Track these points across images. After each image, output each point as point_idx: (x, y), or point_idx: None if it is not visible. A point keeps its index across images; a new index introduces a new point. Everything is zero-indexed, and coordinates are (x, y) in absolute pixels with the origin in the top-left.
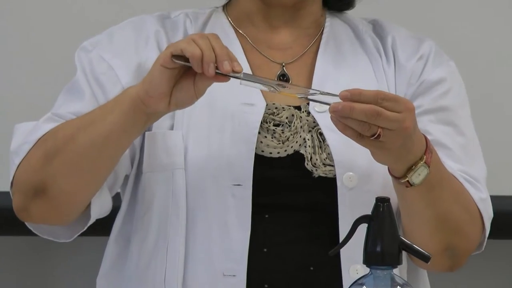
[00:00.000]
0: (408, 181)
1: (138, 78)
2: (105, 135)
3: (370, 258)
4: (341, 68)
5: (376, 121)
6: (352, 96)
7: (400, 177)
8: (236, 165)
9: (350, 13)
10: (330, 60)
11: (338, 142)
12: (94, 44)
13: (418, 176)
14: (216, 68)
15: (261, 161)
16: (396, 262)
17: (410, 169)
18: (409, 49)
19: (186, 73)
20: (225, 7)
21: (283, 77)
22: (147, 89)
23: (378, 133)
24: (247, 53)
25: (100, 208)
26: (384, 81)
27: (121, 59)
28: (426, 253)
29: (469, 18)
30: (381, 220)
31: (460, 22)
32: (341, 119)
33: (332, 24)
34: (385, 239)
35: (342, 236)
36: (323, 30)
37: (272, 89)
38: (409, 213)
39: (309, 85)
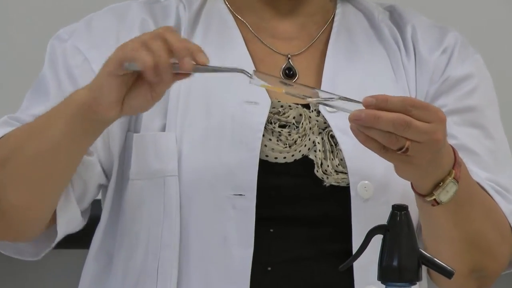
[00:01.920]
0: (435, 199)
1: None
2: (52, 145)
3: (386, 273)
4: (354, 63)
5: (405, 133)
6: (378, 103)
7: (425, 195)
8: (237, 172)
9: None
10: (342, 53)
11: (352, 146)
12: (70, 33)
13: (446, 193)
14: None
15: (265, 168)
16: (415, 279)
17: (437, 185)
18: (431, 40)
19: (139, 78)
20: None
21: (289, 71)
22: (95, 96)
23: (406, 146)
24: (248, 43)
25: (67, 223)
26: (403, 77)
27: (99, 51)
28: (449, 268)
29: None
30: (398, 230)
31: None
32: (363, 129)
33: (344, 11)
34: (403, 252)
35: None
36: (333, 18)
37: (284, 90)
38: (434, 233)
39: (318, 81)
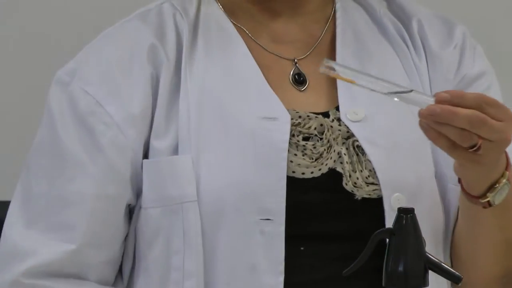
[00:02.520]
0: (488, 201)
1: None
2: None
3: (391, 279)
4: (365, 63)
5: (479, 130)
6: (452, 99)
7: (478, 197)
8: (263, 195)
9: None
10: (352, 54)
11: (380, 156)
12: (71, 73)
13: (500, 195)
14: None
15: (292, 185)
16: (422, 284)
17: (491, 187)
18: (440, 35)
19: None
20: None
21: (299, 77)
22: None
23: (479, 144)
24: (251, 51)
25: None
26: (415, 75)
27: (109, 90)
28: (457, 273)
29: None
30: (404, 234)
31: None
32: (435, 125)
33: (344, 7)
34: (409, 256)
35: None
36: (334, 16)
37: (355, 82)
38: (476, 236)
39: (332, 85)
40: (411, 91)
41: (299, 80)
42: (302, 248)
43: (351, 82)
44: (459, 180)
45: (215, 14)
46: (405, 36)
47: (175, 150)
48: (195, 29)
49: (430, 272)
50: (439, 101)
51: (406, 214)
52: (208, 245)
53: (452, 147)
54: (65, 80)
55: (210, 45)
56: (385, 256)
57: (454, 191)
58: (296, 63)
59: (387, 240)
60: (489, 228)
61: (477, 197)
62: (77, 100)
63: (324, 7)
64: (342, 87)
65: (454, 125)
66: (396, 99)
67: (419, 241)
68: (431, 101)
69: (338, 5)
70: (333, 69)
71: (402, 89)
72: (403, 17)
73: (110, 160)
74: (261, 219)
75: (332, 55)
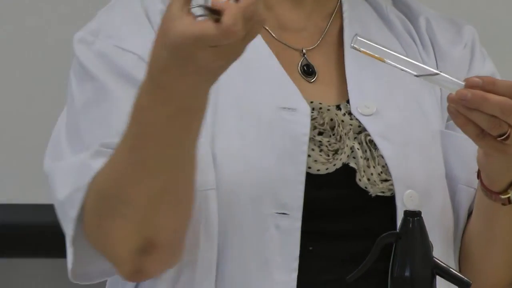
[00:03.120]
0: (509, 197)
1: None
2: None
3: (397, 284)
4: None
5: (510, 118)
6: (484, 85)
7: (499, 192)
8: (281, 189)
9: None
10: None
11: (393, 152)
12: (94, 32)
13: None
14: None
15: (308, 180)
16: None
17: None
18: (448, 33)
19: None
20: None
21: (308, 68)
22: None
23: (508, 132)
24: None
25: None
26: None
27: (143, 42)
28: (466, 278)
29: None
30: (410, 238)
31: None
32: (464, 111)
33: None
34: (416, 261)
35: None
36: (339, 8)
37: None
38: (490, 237)
39: (342, 79)
40: (439, 73)
41: (308, 71)
42: (310, 248)
43: (381, 60)
44: (478, 175)
45: None
46: (413, 32)
47: None
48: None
49: (438, 277)
50: (470, 86)
51: (412, 217)
52: (222, 239)
53: (480, 134)
54: (89, 39)
55: None
56: (391, 261)
57: (465, 191)
58: (304, 54)
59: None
60: (505, 228)
61: (497, 193)
62: (113, 57)
63: None
64: (352, 80)
65: (484, 111)
66: (424, 80)
67: (426, 245)
68: (461, 85)
69: None
70: (362, 46)
71: (431, 71)
72: (409, 15)
73: None
74: (277, 212)
75: (339, 48)
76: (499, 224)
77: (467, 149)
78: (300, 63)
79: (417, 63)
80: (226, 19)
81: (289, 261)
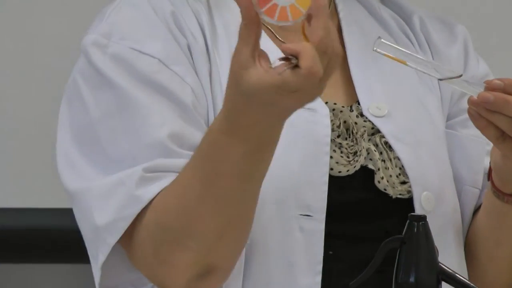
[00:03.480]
0: None
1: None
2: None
3: None
4: (376, 58)
5: None
6: (506, 87)
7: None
8: (306, 190)
9: None
10: (361, 48)
11: (408, 153)
12: (106, 35)
13: None
14: None
15: (330, 182)
16: None
17: None
18: (441, 32)
19: None
20: None
21: None
22: None
23: None
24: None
25: None
26: (422, 73)
27: (160, 45)
28: (472, 284)
29: None
30: (415, 243)
31: None
32: (485, 113)
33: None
34: (421, 267)
35: None
36: (334, 8)
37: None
38: (499, 239)
39: (347, 79)
40: (461, 75)
41: None
42: (330, 252)
43: (403, 62)
44: (489, 177)
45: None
46: (408, 32)
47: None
48: (210, 13)
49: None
50: (491, 88)
51: (417, 221)
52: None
53: (500, 137)
54: (102, 42)
55: (229, 30)
56: (395, 266)
57: (470, 193)
58: None
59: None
60: None
61: (509, 194)
62: (131, 61)
63: None
64: (359, 81)
65: (506, 114)
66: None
67: (432, 250)
68: (481, 87)
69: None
70: (385, 49)
71: (455, 74)
72: (402, 14)
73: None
74: (300, 214)
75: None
76: (508, 226)
77: (471, 149)
78: None
79: (439, 64)
80: (304, 63)
81: (313, 264)
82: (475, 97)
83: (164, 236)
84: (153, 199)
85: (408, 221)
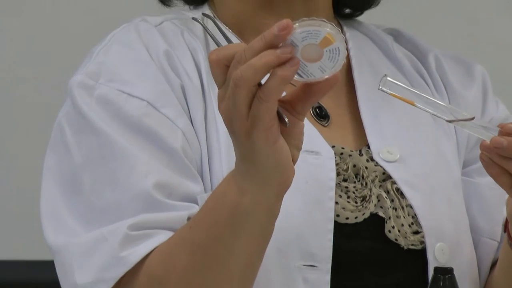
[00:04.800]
0: None
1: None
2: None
3: None
4: (389, 100)
5: None
6: None
7: None
8: (309, 238)
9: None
10: (372, 89)
11: (421, 201)
12: (94, 75)
13: None
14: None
15: (336, 229)
16: None
17: None
18: (458, 73)
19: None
20: (211, 7)
21: (320, 111)
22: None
23: None
24: None
25: None
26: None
27: (150, 85)
28: None
29: None
30: None
31: None
32: (499, 160)
33: (353, 36)
34: None
35: None
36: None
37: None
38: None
39: (357, 123)
40: (473, 118)
41: (321, 114)
42: None
43: (411, 103)
44: (505, 229)
45: (223, 33)
46: (423, 72)
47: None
48: (207, 49)
49: None
50: (505, 133)
51: (444, 275)
52: None
53: None
54: (89, 83)
55: None
56: None
57: (488, 245)
58: None
59: None
60: None
61: None
62: (118, 104)
63: None
64: (369, 124)
65: None
66: (455, 125)
67: None
68: (494, 132)
69: (347, 35)
70: (390, 88)
71: (463, 116)
72: (417, 52)
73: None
74: (304, 265)
75: (350, 89)
76: None
77: (489, 199)
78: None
79: (450, 106)
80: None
81: None
82: (487, 141)
83: None
84: (146, 257)
85: (433, 274)
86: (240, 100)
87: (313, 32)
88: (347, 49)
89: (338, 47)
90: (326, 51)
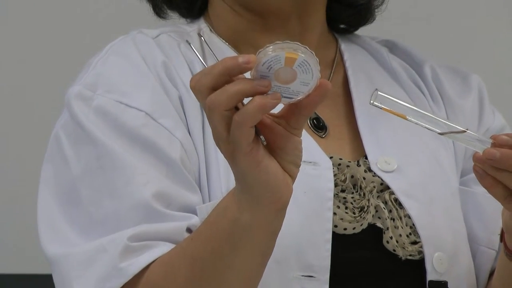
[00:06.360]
0: None
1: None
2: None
3: None
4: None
5: None
6: None
7: None
8: (307, 248)
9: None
10: (368, 97)
11: (419, 211)
12: (91, 87)
13: None
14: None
15: (334, 240)
16: None
17: None
18: (454, 83)
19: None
20: (206, 20)
21: (318, 122)
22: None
23: None
24: None
25: None
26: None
27: (148, 96)
28: None
29: None
30: None
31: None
32: (492, 171)
33: (349, 48)
34: None
35: None
36: (340, 57)
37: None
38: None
39: (354, 134)
40: (466, 130)
41: (319, 125)
42: None
43: (403, 117)
44: (501, 238)
45: (220, 48)
46: (419, 82)
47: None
48: (204, 60)
49: None
50: (498, 144)
51: None
52: None
53: (509, 197)
54: (86, 94)
55: None
56: None
57: (486, 254)
58: None
59: None
60: None
61: None
62: (116, 115)
63: (327, 47)
64: (366, 134)
65: None
66: (448, 138)
67: None
68: (487, 143)
69: (343, 47)
70: (382, 102)
71: (455, 129)
72: (412, 63)
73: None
74: (302, 275)
75: (346, 100)
76: None
77: (487, 208)
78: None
79: (442, 119)
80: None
81: None
82: (480, 153)
83: None
84: (146, 268)
85: (427, 287)
86: (215, 124)
87: (273, 59)
88: (343, 60)
89: (304, 59)
90: (296, 67)
